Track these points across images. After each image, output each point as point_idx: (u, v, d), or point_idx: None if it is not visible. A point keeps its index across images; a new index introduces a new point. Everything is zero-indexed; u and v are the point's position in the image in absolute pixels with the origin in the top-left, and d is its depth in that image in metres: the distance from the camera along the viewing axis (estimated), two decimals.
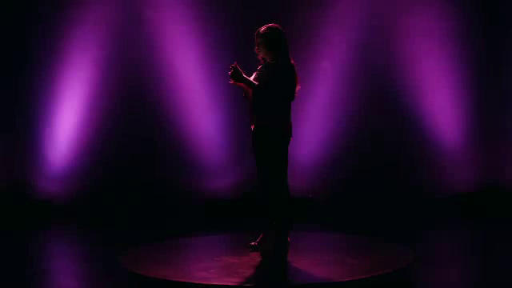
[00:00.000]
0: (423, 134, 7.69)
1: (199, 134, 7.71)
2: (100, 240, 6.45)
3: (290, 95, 4.94)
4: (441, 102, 7.66)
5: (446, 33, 7.62)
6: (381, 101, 7.70)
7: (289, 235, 5.01)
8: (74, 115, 7.71)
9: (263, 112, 4.91)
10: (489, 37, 7.64)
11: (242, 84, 4.92)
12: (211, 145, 7.68)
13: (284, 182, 5.02)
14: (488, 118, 7.69)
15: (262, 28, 5.01)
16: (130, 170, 7.73)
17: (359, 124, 7.70)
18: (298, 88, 4.99)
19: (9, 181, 7.65)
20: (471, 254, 5.86)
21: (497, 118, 7.69)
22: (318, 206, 7.56)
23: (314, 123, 7.70)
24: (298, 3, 7.68)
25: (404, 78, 7.65)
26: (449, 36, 7.62)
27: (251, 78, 4.95)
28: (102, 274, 5.10)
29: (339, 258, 4.97)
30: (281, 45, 4.99)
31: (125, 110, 7.72)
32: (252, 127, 4.99)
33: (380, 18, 7.62)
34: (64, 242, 6.56)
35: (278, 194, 4.96)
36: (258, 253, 5.02)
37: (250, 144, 5.02)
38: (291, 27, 7.35)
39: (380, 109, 7.70)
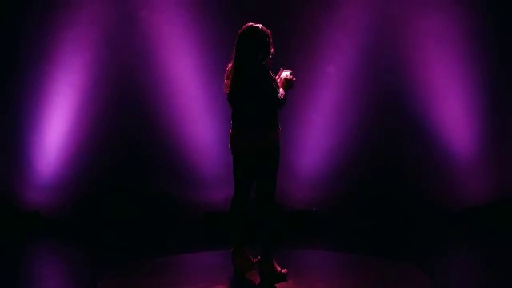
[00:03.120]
0: (434, 144, 7.49)
1: (196, 140, 7.57)
2: (89, 256, 6.19)
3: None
4: (453, 109, 7.48)
5: (458, 36, 7.44)
6: (389, 108, 7.51)
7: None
8: (63, 121, 7.55)
9: None
10: (504, 40, 7.45)
11: None
12: (209, 152, 7.52)
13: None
14: (503, 127, 7.50)
15: None
16: (122, 180, 7.55)
17: (366, 132, 7.51)
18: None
19: None
20: (486, 271, 5.63)
21: None
22: (323, 219, 7.37)
23: (318, 131, 7.51)
24: (301, 4, 7.47)
25: (414, 83, 7.47)
26: (462, 39, 7.44)
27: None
28: None
29: (344, 281, 4.72)
30: None
31: (117, 117, 7.55)
32: None
33: (389, 20, 7.45)
34: (51, 259, 6.35)
35: None
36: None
37: None
38: (295, 29, 7.41)
39: (388, 116, 7.52)
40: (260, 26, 4.94)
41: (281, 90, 4.92)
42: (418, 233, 7.03)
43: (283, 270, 4.92)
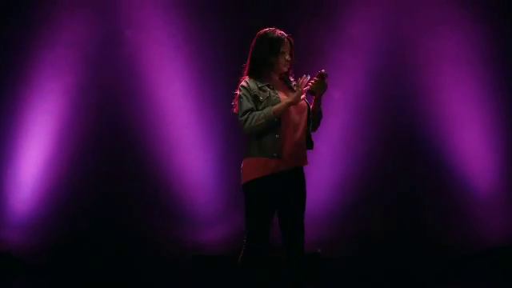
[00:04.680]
0: (451, 177, 7.14)
1: (188, 175, 7.29)
2: None
3: None
4: (472, 139, 7.15)
5: (477, 57, 7.14)
6: (401, 137, 7.21)
7: None
8: (40, 152, 7.30)
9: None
10: None
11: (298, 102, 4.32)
12: (201, 189, 7.24)
13: None
14: None
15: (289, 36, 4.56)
16: (104, 219, 7.24)
17: (376, 165, 7.18)
18: None
19: None
20: None
21: None
22: (328, 263, 7.02)
23: (323, 163, 7.14)
24: (305, 24, 7.19)
25: (428, 110, 7.17)
26: (480, 61, 7.14)
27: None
28: None
29: None
30: None
31: (100, 147, 7.31)
32: (286, 166, 4.24)
33: (400, 40, 7.19)
34: None
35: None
36: None
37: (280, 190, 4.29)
38: (297, 50, 6.99)
39: (400, 147, 7.21)
40: (265, 30, 4.44)
41: (256, 113, 4.21)
42: (433, 277, 6.71)
43: None
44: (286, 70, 4.34)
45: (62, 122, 7.28)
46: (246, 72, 4.32)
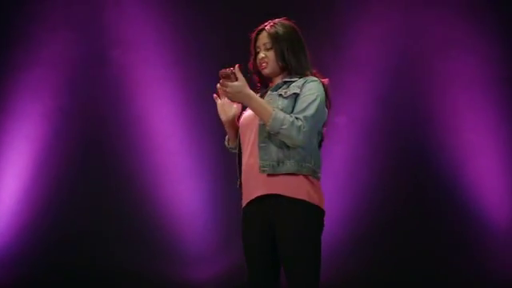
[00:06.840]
0: (466, 210, 6.84)
1: (177, 207, 7.05)
2: None
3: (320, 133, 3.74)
4: (488, 169, 6.86)
5: (493, 80, 6.89)
6: (411, 167, 6.92)
7: None
8: (17, 182, 7.05)
9: (284, 167, 3.49)
10: None
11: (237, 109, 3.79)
12: (193, 222, 7.00)
13: None
14: None
15: (270, 24, 3.68)
16: (86, 255, 6.95)
17: (384, 197, 6.87)
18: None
19: None
20: None
21: None
22: None
23: (327, 194, 6.91)
24: (306, 45, 7.04)
25: (441, 138, 6.91)
26: (498, 85, 6.88)
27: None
28: None
29: None
30: (304, 51, 3.73)
31: (83, 177, 7.06)
32: (254, 196, 3.60)
33: (410, 63, 6.95)
34: None
35: None
36: None
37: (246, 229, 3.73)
38: None
39: (410, 177, 6.92)
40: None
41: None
42: None
43: None
44: (266, 71, 3.64)
45: (41, 148, 7.06)
46: None
